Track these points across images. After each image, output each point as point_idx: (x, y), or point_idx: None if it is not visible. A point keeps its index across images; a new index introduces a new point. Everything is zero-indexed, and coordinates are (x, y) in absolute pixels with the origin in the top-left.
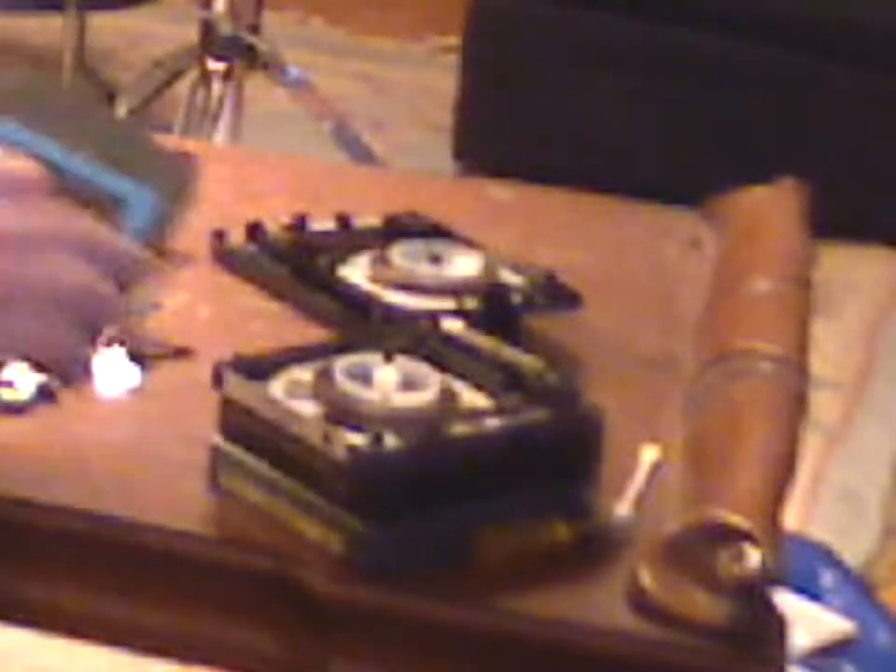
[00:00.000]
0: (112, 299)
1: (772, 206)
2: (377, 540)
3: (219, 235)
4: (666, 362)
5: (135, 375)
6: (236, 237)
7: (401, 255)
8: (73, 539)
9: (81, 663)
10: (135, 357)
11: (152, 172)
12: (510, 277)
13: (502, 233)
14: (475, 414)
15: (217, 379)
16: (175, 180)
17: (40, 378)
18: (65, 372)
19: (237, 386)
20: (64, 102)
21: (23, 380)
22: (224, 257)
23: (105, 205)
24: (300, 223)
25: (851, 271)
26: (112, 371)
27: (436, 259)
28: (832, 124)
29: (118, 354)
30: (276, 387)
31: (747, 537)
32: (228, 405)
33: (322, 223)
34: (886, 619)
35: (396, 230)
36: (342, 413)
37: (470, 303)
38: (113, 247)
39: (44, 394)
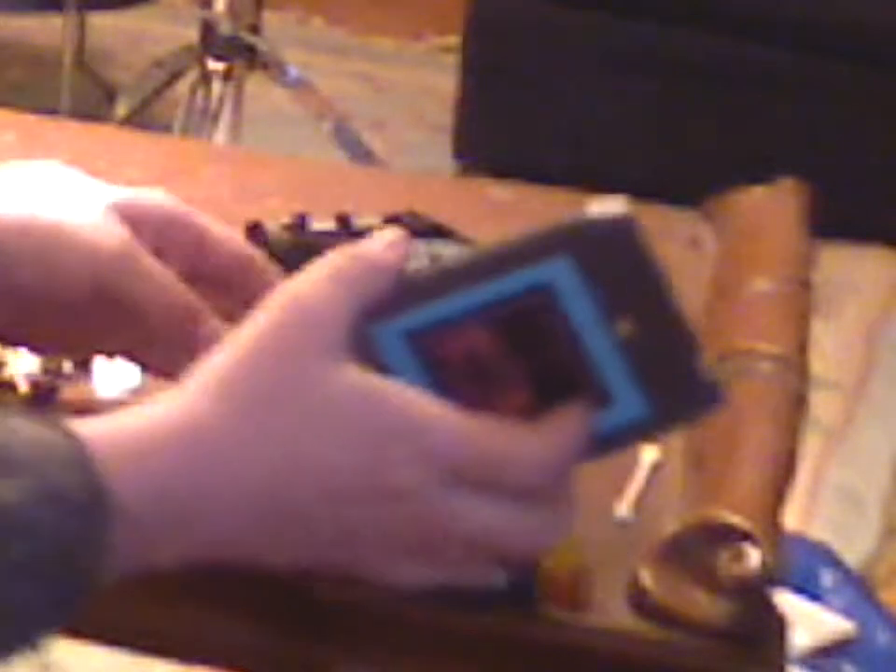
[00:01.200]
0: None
1: (772, 206)
2: None
3: None
4: None
5: (135, 376)
6: None
7: None
8: None
9: (81, 662)
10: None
11: (669, 387)
12: None
13: (502, 233)
14: None
15: None
16: (687, 408)
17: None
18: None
19: None
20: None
21: (21, 379)
22: None
23: (586, 385)
24: (300, 223)
25: (851, 271)
26: (111, 372)
27: (436, 260)
28: (832, 124)
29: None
30: None
31: (747, 537)
32: None
33: (322, 223)
34: (886, 619)
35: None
36: None
37: None
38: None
39: (42, 392)
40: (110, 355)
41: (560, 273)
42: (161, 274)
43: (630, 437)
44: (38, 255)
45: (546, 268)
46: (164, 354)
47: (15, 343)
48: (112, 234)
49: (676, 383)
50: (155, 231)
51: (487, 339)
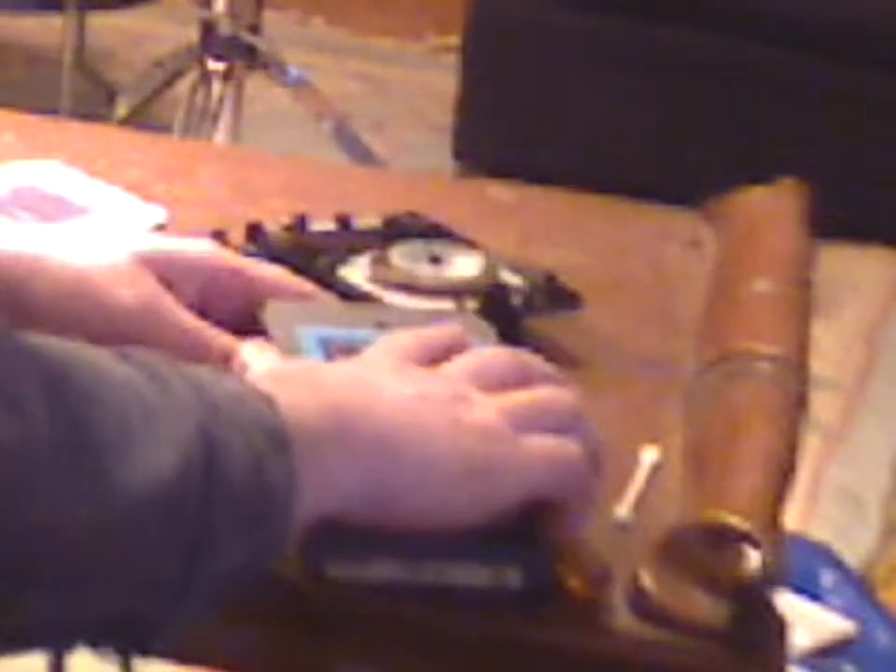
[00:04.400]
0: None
1: (772, 206)
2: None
3: (219, 235)
4: (666, 362)
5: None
6: (236, 237)
7: (401, 255)
8: None
9: (81, 662)
10: None
11: None
12: (510, 278)
13: (502, 233)
14: None
15: None
16: None
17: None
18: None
19: None
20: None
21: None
22: None
23: None
24: (299, 224)
25: (851, 271)
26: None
27: (436, 260)
28: (832, 124)
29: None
30: None
31: (746, 538)
32: None
33: (322, 223)
34: (886, 619)
35: (395, 230)
36: None
37: (470, 304)
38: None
39: None
40: None
41: None
42: (187, 324)
43: None
44: (53, 299)
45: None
46: None
47: None
48: (133, 289)
49: None
50: (200, 286)
51: None
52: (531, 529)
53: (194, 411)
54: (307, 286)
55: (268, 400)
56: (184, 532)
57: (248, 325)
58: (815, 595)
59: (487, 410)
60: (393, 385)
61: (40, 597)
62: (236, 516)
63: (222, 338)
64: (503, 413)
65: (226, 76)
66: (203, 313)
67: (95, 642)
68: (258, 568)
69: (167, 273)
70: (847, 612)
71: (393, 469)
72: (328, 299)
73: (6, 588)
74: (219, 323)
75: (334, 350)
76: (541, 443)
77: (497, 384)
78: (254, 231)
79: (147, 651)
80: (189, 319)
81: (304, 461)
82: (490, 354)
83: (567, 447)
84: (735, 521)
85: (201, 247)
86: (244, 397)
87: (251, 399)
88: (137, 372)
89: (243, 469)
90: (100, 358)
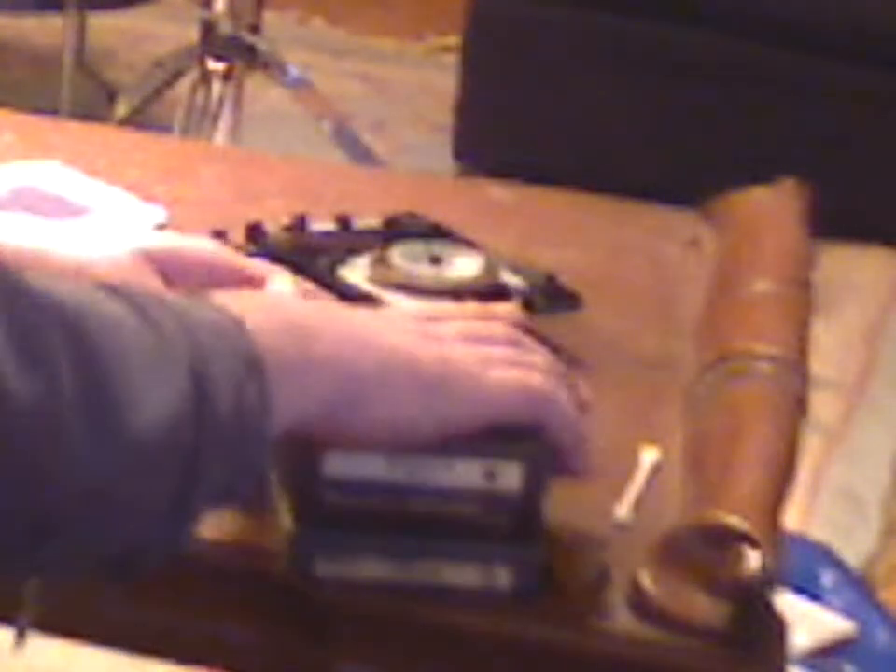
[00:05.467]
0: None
1: (772, 206)
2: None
3: (219, 236)
4: (666, 362)
5: None
6: (236, 237)
7: (401, 255)
8: None
9: (81, 663)
10: None
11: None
12: (510, 278)
13: (502, 233)
14: None
15: None
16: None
17: None
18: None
19: None
20: None
21: None
22: None
23: None
24: (299, 224)
25: (851, 271)
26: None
27: (436, 260)
28: (832, 124)
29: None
30: None
31: (746, 538)
32: None
33: (322, 224)
34: (886, 619)
35: (395, 230)
36: None
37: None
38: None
39: None
40: None
41: None
42: None
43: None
44: None
45: None
46: None
47: None
48: (135, 283)
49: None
50: (199, 282)
51: None
52: (528, 524)
53: (184, 351)
54: (305, 285)
55: (240, 326)
56: (179, 466)
57: None
58: (815, 595)
59: (453, 343)
60: (361, 315)
61: (65, 538)
62: (220, 443)
63: None
64: (469, 346)
65: (226, 76)
66: None
67: (102, 570)
68: (236, 489)
69: (168, 268)
70: (847, 612)
71: (351, 377)
72: (326, 298)
73: (36, 532)
74: None
75: None
76: (508, 374)
77: (481, 342)
78: (254, 231)
79: (139, 576)
80: None
81: (272, 380)
82: (485, 323)
83: (534, 376)
84: (734, 521)
85: (201, 245)
86: (221, 326)
87: (227, 327)
88: (131, 314)
89: (226, 399)
90: (100, 302)
